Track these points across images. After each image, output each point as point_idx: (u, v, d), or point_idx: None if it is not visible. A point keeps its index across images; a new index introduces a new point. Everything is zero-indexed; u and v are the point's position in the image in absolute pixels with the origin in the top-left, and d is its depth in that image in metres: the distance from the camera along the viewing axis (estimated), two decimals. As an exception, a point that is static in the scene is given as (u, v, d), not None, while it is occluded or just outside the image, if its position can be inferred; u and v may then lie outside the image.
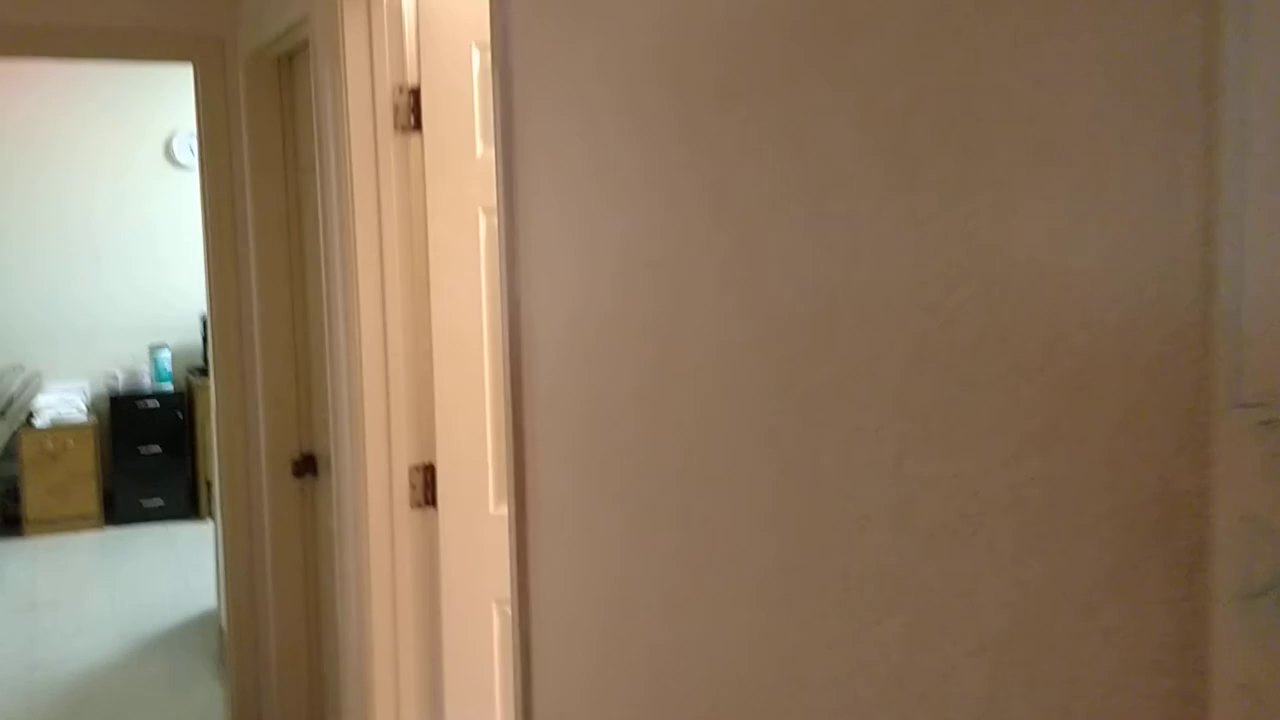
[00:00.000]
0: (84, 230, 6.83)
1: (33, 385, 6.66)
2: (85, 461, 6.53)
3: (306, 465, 3.43)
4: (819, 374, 0.95)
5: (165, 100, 6.87)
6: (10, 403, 6.56)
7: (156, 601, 5.41)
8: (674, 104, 1.12)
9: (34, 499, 6.44)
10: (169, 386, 6.83)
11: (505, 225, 1.55)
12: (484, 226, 2.42)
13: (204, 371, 6.74)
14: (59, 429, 6.49)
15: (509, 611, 2.54)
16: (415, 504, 2.47)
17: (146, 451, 6.69)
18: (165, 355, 6.86)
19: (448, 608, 2.44)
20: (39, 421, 6.48)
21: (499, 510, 2.48)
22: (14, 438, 6.47)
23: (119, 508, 6.64)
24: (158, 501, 6.70)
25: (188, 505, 6.78)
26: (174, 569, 5.90)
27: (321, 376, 3.28)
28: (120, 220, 6.89)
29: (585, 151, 1.30)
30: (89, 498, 6.54)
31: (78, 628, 5.10)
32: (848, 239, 0.91)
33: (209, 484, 6.50)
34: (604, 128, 1.25)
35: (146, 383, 6.81)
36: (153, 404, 6.73)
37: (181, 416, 6.77)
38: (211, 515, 5.46)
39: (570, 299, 1.37)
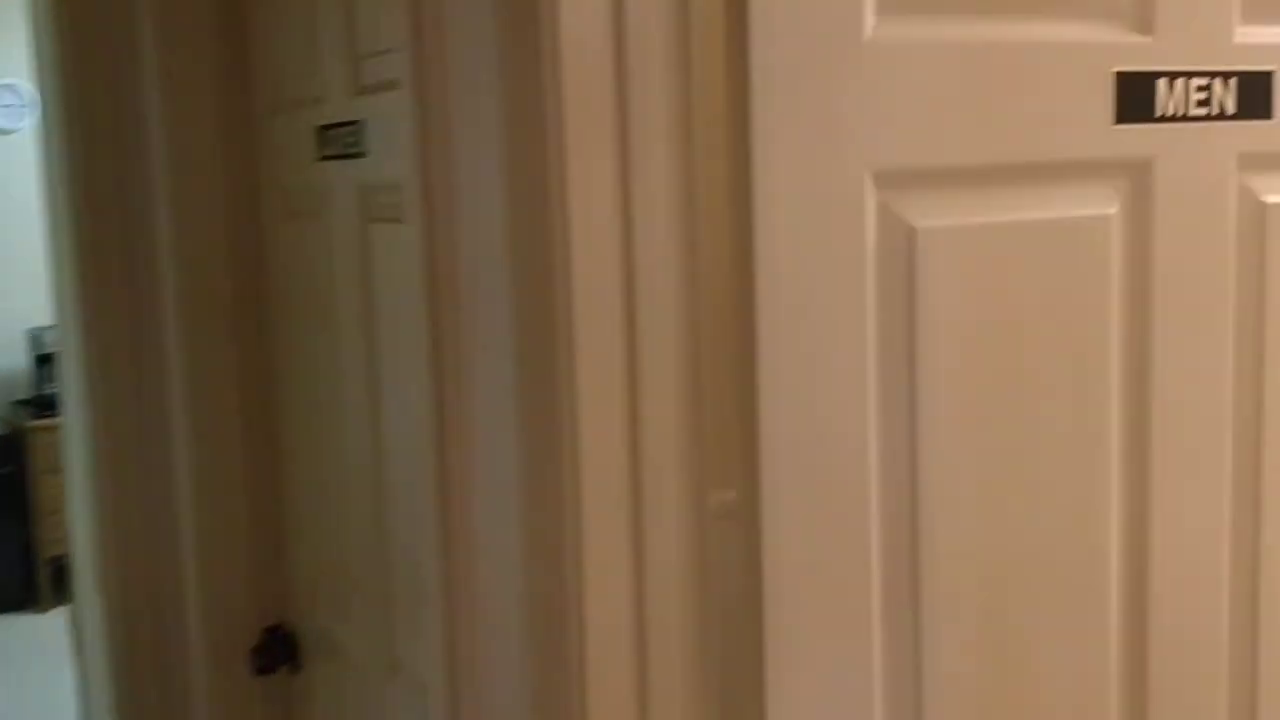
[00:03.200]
0: None
1: None
2: None
3: (278, 651, 1.75)
4: None
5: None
6: None
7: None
8: None
9: None
10: (-11, 429, 4.97)
11: None
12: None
13: (38, 406, 4.89)
14: None
15: None
16: None
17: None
18: (-21, 385, 4.96)
19: None
20: None
21: None
22: None
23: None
24: (-22, 587, 4.85)
25: (20, 591, 4.96)
26: (7, 702, 4.07)
27: (341, 473, 1.61)
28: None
29: None
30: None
31: None
32: None
33: (52, 561, 4.70)
34: None
35: (-48, 423, 4.92)
36: (-37, 453, 4.86)
37: (11, 470, 4.89)
38: (59, 604, 3.73)
39: None
